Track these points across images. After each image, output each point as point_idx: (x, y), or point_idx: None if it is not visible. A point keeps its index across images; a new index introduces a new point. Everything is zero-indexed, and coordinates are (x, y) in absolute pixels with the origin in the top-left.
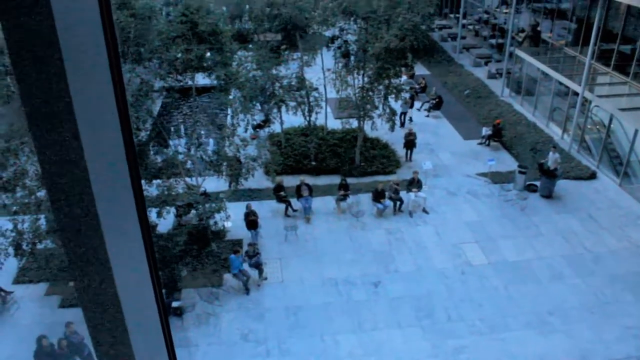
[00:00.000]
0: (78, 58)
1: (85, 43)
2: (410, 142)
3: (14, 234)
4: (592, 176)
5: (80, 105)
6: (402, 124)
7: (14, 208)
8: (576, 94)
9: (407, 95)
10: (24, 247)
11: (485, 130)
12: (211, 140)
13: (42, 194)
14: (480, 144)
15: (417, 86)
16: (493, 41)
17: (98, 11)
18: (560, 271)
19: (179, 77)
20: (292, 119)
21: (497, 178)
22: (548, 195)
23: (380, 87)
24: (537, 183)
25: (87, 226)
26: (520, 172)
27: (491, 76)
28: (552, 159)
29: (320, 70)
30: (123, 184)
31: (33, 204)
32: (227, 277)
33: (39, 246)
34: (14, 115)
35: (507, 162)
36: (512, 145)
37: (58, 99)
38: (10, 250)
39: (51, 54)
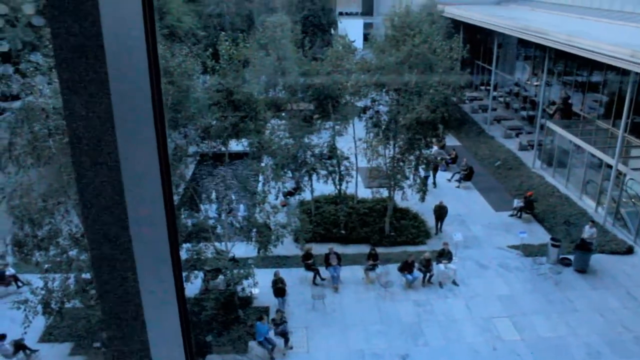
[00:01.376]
0: (127, 121)
1: (136, 115)
2: (440, 214)
3: (43, 292)
4: (629, 251)
5: (127, 173)
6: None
7: (46, 266)
8: (610, 166)
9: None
10: (53, 305)
11: (517, 202)
12: (242, 206)
13: (73, 253)
14: (511, 215)
15: (447, 157)
16: (524, 113)
17: (147, 71)
18: (598, 351)
19: (213, 143)
20: (322, 187)
21: (530, 251)
22: (583, 269)
23: (411, 157)
24: (571, 257)
25: (126, 289)
26: (553, 245)
27: (522, 148)
28: (588, 233)
29: (352, 139)
30: (162, 248)
31: (64, 262)
32: (253, 344)
33: (67, 305)
34: (53, 176)
35: (539, 235)
36: (545, 217)
37: (106, 157)
38: (39, 308)
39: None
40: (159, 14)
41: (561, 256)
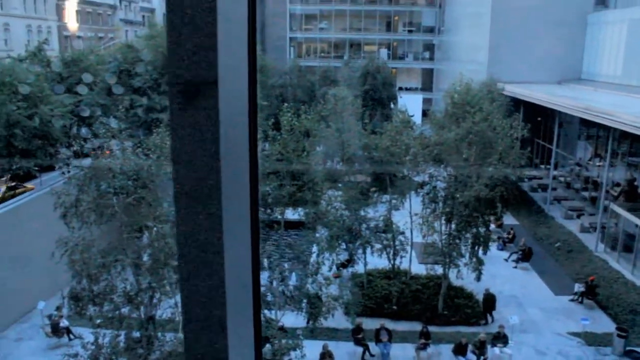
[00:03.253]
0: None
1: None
2: (488, 303)
3: (93, 347)
4: None
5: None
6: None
7: (98, 321)
8: None
9: None
10: None
11: (578, 287)
12: (294, 275)
13: (125, 310)
14: (572, 300)
15: (505, 236)
16: (586, 194)
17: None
18: None
19: (269, 211)
20: (375, 261)
21: (592, 340)
22: None
23: (468, 235)
24: None
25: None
26: (619, 335)
27: (584, 230)
28: None
29: (408, 214)
30: (247, 308)
31: (116, 319)
32: None
33: None
34: (113, 234)
35: (603, 323)
36: (609, 305)
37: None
38: None
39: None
40: None
41: (628, 348)
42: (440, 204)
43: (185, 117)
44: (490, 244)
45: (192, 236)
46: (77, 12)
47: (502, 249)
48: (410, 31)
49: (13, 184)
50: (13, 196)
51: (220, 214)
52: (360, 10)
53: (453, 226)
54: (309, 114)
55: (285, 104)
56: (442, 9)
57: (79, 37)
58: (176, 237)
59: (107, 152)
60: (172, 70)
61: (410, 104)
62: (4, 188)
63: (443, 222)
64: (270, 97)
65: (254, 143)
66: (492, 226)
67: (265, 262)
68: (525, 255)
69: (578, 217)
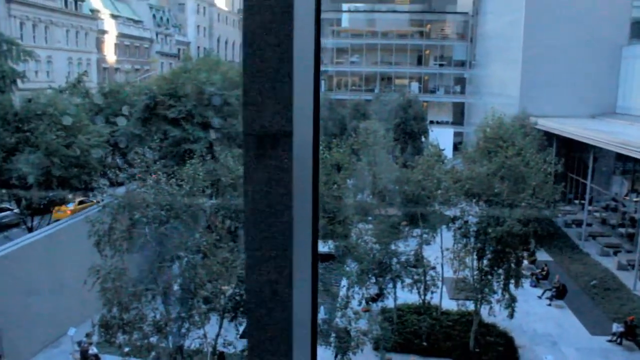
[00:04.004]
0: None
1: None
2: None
3: None
4: None
5: None
6: None
7: (126, 349)
8: None
9: None
10: None
11: (617, 327)
12: (322, 309)
13: (154, 339)
14: (610, 341)
15: (538, 272)
16: (622, 230)
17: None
18: None
19: None
20: (405, 296)
21: None
22: None
23: (500, 271)
24: None
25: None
26: None
27: (621, 267)
28: None
29: (439, 248)
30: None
31: (145, 348)
32: None
33: None
34: (145, 263)
35: None
36: None
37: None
38: None
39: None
40: None
41: None
42: (472, 239)
43: (259, 167)
44: (523, 280)
45: (263, 280)
46: (116, 45)
47: (535, 286)
48: (441, 65)
49: (82, 198)
50: (83, 209)
51: (289, 263)
52: (392, 44)
53: (485, 262)
54: (340, 147)
55: None
56: (473, 43)
57: (116, 69)
58: (246, 285)
59: (155, 175)
60: (249, 119)
61: (442, 137)
62: (75, 202)
63: (475, 257)
64: None
65: (316, 189)
66: (525, 262)
67: None
68: (560, 293)
69: (615, 254)
